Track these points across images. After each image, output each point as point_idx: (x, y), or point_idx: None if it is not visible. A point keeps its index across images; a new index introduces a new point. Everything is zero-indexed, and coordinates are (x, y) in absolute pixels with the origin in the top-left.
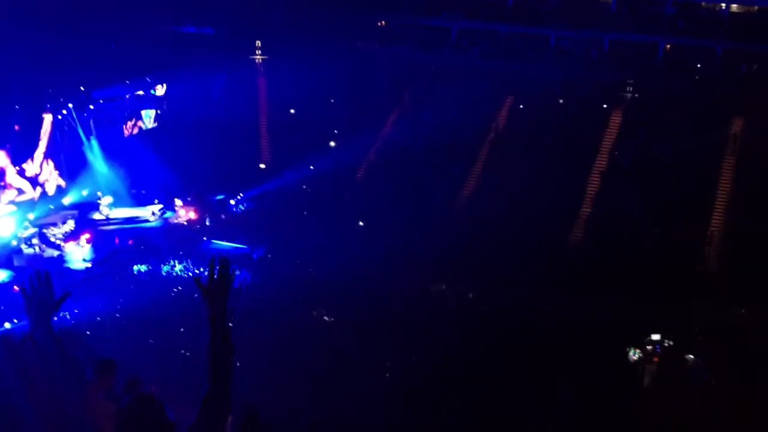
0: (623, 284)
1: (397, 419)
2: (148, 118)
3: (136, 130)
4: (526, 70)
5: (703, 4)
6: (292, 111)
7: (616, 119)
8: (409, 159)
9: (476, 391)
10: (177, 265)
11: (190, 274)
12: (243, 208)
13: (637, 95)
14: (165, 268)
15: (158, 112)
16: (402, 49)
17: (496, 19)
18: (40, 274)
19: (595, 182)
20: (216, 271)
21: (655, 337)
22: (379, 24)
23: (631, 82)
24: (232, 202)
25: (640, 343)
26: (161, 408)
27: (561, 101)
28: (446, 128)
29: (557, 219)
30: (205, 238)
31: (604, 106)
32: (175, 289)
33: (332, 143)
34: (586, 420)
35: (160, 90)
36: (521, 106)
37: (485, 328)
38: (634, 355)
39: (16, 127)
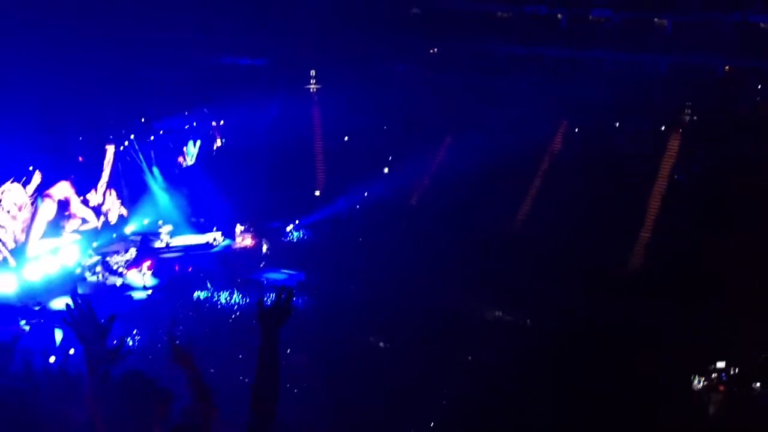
0: (686, 310)
1: None
2: (192, 151)
3: (191, 161)
4: (581, 93)
5: (762, 24)
6: (346, 138)
7: (674, 142)
8: (462, 184)
9: (534, 420)
10: (235, 294)
11: (246, 301)
12: (300, 235)
13: (695, 117)
14: (223, 296)
15: (219, 140)
16: (453, 74)
17: (549, 42)
18: (77, 303)
19: (655, 206)
20: (280, 299)
21: (720, 364)
22: (431, 51)
23: (690, 104)
24: (288, 228)
25: (705, 371)
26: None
27: (617, 124)
28: (499, 153)
29: (616, 244)
30: (262, 265)
31: (662, 128)
32: (232, 318)
33: (386, 169)
34: None
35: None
36: (576, 130)
37: (543, 355)
38: (699, 383)
39: (80, 158)
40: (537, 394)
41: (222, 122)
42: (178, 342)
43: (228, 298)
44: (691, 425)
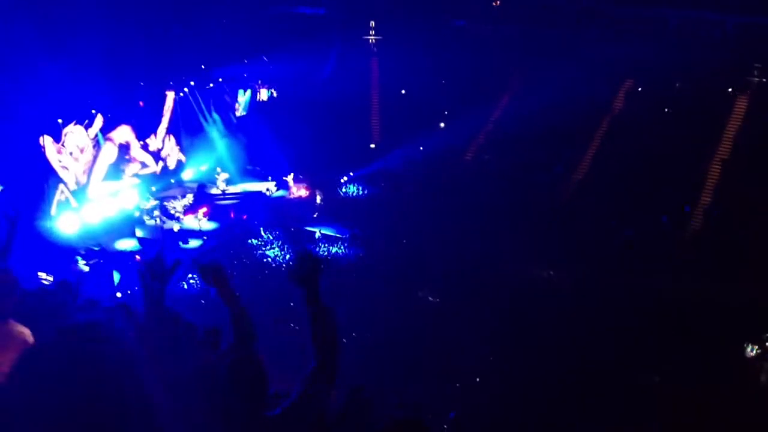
0: (744, 276)
1: (496, 403)
2: (242, 100)
3: (243, 111)
4: (645, 52)
5: None
6: (403, 92)
7: (741, 105)
8: (519, 141)
9: (579, 380)
10: (275, 248)
11: (287, 256)
12: (354, 188)
13: (764, 80)
14: (274, 249)
15: (266, 91)
16: (515, 29)
17: None
18: (157, 260)
19: (716, 170)
20: (302, 262)
21: None
22: (494, 4)
23: (758, 65)
24: (343, 180)
25: (758, 339)
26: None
27: (679, 85)
28: (559, 111)
29: (674, 207)
30: (315, 215)
31: (729, 90)
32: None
33: (442, 124)
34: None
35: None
36: (639, 89)
37: (591, 318)
38: (752, 351)
39: (141, 103)
40: (584, 355)
41: (265, 73)
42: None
43: (279, 251)
44: (743, 393)
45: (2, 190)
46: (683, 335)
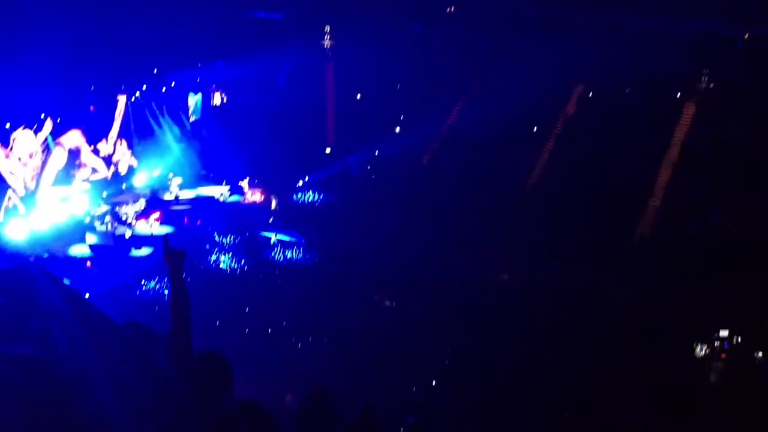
0: (691, 277)
1: (452, 402)
2: (197, 104)
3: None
4: (598, 57)
5: None
6: (359, 96)
7: (689, 111)
8: (474, 146)
9: (535, 381)
10: (230, 253)
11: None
12: (309, 193)
13: (712, 86)
14: (225, 258)
15: (219, 95)
16: (469, 34)
17: (568, 2)
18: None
19: (666, 174)
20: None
21: (723, 333)
22: (447, 10)
23: (707, 72)
24: (298, 185)
25: (708, 339)
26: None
27: (630, 91)
28: (512, 115)
29: (626, 210)
30: (270, 220)
31: (678, 95)
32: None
33: (398, 129)
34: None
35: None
36: (590, 94)
37: (548, 318)
38: (701, 351)
39: (91, 108)
40: (540, 356)
41: (220, 77)
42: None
43: (233, 256)
44: (692, 393)
45: None
46: (631, 336)
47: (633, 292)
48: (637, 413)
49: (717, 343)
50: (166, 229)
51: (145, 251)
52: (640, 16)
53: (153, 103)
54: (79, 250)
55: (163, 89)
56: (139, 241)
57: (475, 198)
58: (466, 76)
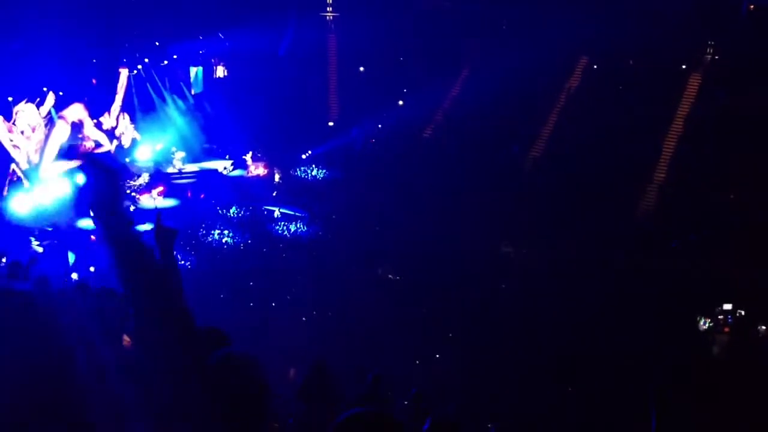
0: (695, 252)
1: (455, 376)
2: (199, 77)
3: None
4: (602, 28)
5: None
6: (362, 69)
7: (694, 81)
8: (477, 118)
9: (536, 359)
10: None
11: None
12: (312, 166)
13: (717, 57)
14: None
15: (221, 68)
16: (472, 5)
17: None
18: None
19: (670, 147)
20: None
21: (727, 306)
22: None
23: (712, 43)
24: (302, 157)
25: (711, 312)
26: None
27: (635, 62)
28: (516, 89)
29: (629, 184)
30: (274, 194)
31: (683, 67)
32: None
33: (400, 102)
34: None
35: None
36: (595, 66)
37: (550, 293)
38: (705, 324)
39: (93, 81)
40: (542, 330)
41: (221, 49)
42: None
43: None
44: (695, 366)
45: None
46: (635, 308)
47: (636, 266)
48: (641, 387)
49: (720, 317)
50: (169, 203)
51: (146, 226)
52: None
53: (155, 76)
54: (85, 224)
55: (165, 62)
56: (141, 215)
57: (477, 171)
58: (469, 47)
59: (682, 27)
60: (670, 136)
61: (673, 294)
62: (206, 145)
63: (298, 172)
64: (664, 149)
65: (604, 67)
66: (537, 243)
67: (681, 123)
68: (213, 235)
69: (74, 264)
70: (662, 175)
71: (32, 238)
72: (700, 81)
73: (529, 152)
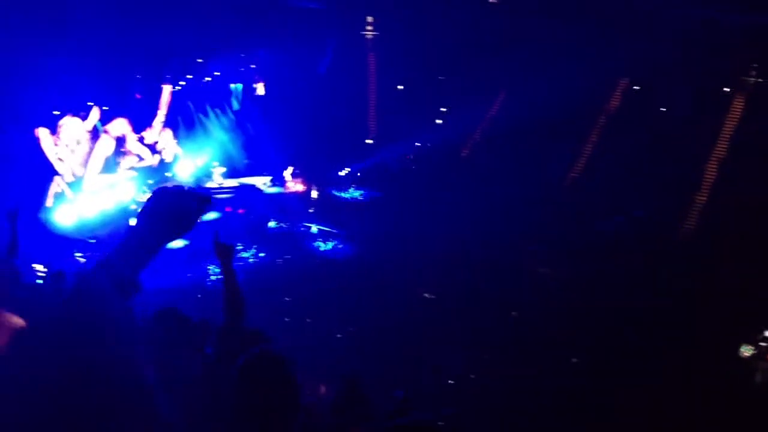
0: (738, 277)
1: (491, 398)
2: (240, 94)
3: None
4: (643, 48)
5: None
6: (400, 87)
7: (738, 104)
8: (516, 137)
9: (573, 379)
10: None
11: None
12: (350, 184)
13: (761, 80)
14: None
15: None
16: (513, 24)
17: None
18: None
19: (713, 170)
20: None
21: None
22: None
23: (755, 66)
24: (340, 174)
25: (754, 339)
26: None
27: (676, 83)
28: (556, 109)
29: (670, 206)
30: (311, 210)
31: (726, 90)
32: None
33: (439, 120)
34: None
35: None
36: (636, 87)
37: (589, 313)
38: (747, 351)
39: (137, 96)
40: (579, 352)
41: (262, 67)
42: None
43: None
44: (737, 393)
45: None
46: (675, 333)
47: (677, 288)
48: (679, 414)
49: (764, 344)
50: (210, 215)
51: (179, 243)
52: (687, 6)
53: (197, 93)
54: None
55: (207, 79)
56: None
57: (515, 191)
58: (508, 66)
59: (725, 49)
60: (712, 159)
61: (714, 318)
62: (246, 161)
63: (336, 189)
64: (706, 172)
65: (645, 88)
66: (576, 263)
67: (724, 146)
68: (251, 249)
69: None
70: (704, 198)
71: (75, 251)
72: (743, 104)
73: (568, 173)
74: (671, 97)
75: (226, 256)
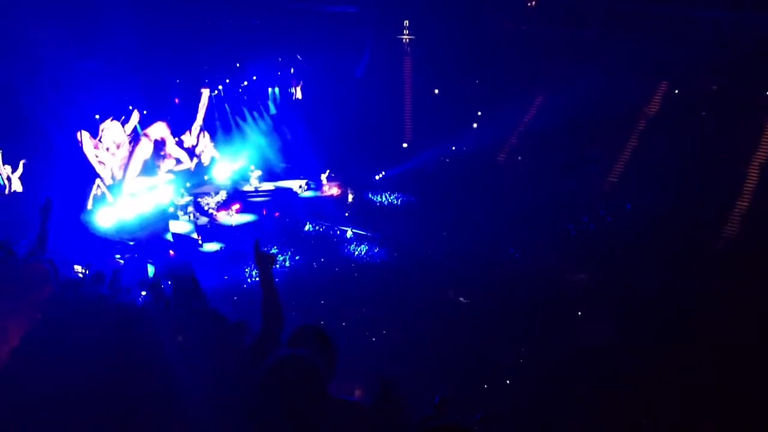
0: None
1: (523, 401)
2: (276, 98)
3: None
4: (683, 53)
5: None
6: (436, 91)
7: None
8: (552, 142)
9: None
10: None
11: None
12: (385, 189)
13: None
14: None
15: (297, 88)
16: (550, 29)
17: None
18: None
19: (755, 175)
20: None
21: None
22: (529, 4)
23: None
24: (376, 178)
25: None
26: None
27: (715, 88)
28: (592, 113)
29: (711, 212)
30: (347, 214)
31: (766, 93)
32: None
33: (474, 125)
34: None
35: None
36: (676, 92)
37: (625, 317)
38: None
39: (176, 100)
40: (616, 360)
41: (299, 71)
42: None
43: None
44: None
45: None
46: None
47: (716, 297)
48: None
49: None
50: (246, 218)
51: (215, 246)
52: (727, 10)
53: (235, 97)
54: (183, 228)
55: (245, 83)
56: (214, 234)
57: (551, 196)
58: (544, 71)
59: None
60: (753, 163)
61: (759, 326)
62: (282, 165)
63: (372, 193)
64: (747, 177)
65: (686, 92)
66: (613, 270)
67: (765, 151)
68: (288, 252)
69: (153, 277)
70: (745, 204)
71: (114, 252)
72: None
73: (606, 177)
74: (712, 100)
75: (266, 265)
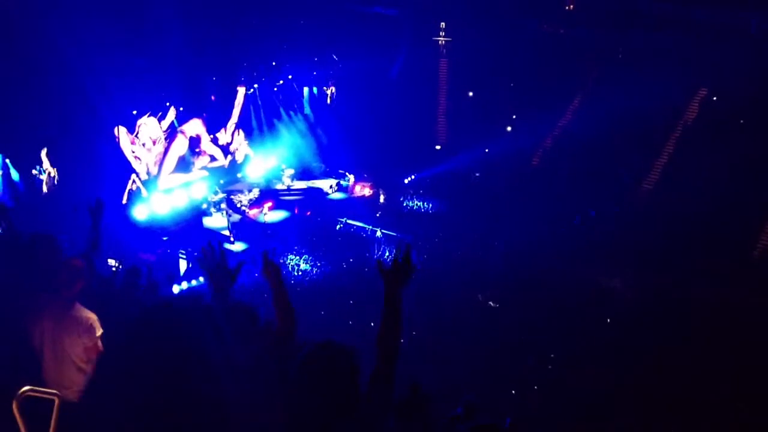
0: None
1: (552, 407)
2: (311, 98)
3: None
4: (723, 58)
5: None
6: (471, 93)
7: None
8: (588, 147)
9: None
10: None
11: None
12: (417, 190)
13: None
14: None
15: (331, 89)
16: (587, 32)
17: (691, 1)
18: (212, 245)
19: None
20: (398, 258)
21: None
22: (567, 8)
23: None
24: (407, 181)
25: None
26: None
27: (757, 95)
28: (630, 116)
29: (748, 220)
30: (378, 214)
31: None
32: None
33: (509, 128)
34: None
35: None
36: (715, 98)
37: (657, 325)
38: None
39: (212, 98)
40: (648, 368)
41: (335, 71)
42: (269, 255)
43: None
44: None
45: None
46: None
47: (750, 307)
48: None
49: None
50: (279, 215)
51: (239, 246)
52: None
53: (270, 96)
54: (217, 222)
55: (281, 82)
56: (247, 230)
57: (587, 201)
58: (582, 75)
59: None
60: None
61: None
62: (315, 164)
63: (403, 195)
64: None
65: (725, 99)
66: (648, 277)
67: None
68: (317, 252)
69: (186, 273)
70: None
71: (148, 247)
72: None
73: (641, 183)
74: (750, 107)
75: (275, 275)
